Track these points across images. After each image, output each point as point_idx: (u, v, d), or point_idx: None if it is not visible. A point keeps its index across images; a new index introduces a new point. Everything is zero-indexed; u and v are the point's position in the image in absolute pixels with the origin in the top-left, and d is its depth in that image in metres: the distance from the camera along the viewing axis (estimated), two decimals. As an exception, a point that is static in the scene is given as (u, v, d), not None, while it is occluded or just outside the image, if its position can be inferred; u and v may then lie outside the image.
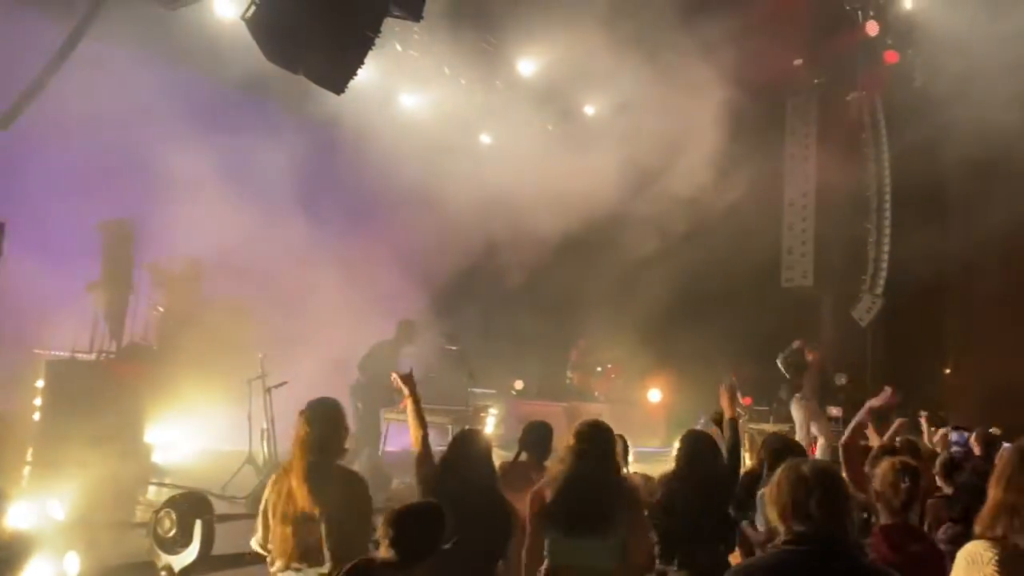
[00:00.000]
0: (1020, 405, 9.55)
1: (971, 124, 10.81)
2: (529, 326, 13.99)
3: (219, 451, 8.91)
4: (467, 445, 3.97)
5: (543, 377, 14.08)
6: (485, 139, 14.11)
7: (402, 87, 12.68)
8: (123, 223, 10.06)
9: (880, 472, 3.52)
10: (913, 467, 3.53)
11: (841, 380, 12.38)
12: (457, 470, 3.83)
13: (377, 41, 6.02)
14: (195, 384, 9.17)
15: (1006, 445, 4.92)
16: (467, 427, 4.15)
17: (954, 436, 7.67)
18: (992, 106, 10.11)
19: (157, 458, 8.46)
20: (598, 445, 3.82)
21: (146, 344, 9.94)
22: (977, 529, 2.54)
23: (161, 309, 10.16)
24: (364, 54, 5.92)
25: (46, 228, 9.89)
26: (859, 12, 11.69)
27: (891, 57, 12.15)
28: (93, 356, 9.57)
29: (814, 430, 10.62)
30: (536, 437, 4.88)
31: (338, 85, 6.03)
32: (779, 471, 2.31)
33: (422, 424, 4.05)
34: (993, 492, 2.58)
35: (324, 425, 3.54)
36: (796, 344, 11.23)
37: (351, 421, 3.89)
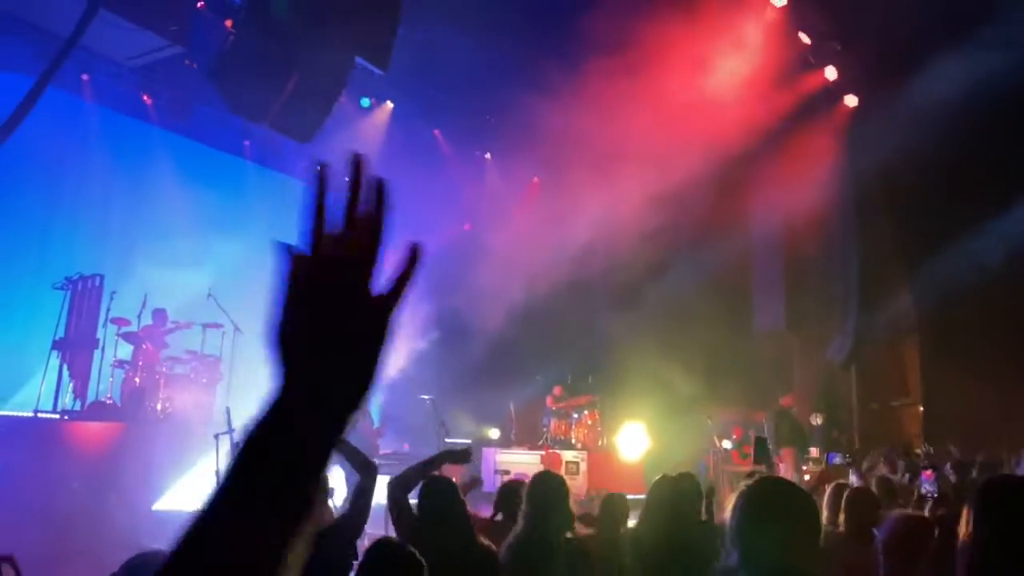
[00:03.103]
0: (991, 438, 9.60)
1: (927, 164, 11.13)
2: (504, 374, 13.91)
3: (184, 512, 8.63)
4: (438, 494, 3.88)
5: (519, 425, 13.93)
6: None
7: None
8: (90, 280, 9.94)
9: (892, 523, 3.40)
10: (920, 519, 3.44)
11: (817, 420, 12.41)
12: (433, 520, 3.74)
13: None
14: (163, 441, 8.97)
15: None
16: (435, 475, 4.05)
17: (924, 481, 7.17)
18: (946, 141, 10.43)
19: (122, 521, 8.19)
20: (538, 503, 3.86)
21: (111, 403, 9.72)
22: None
23: (126, 366, 9.95)
24: (331, 104, 5.97)
25: (9, 285, 9.76)
26: (818, 58, 12.00)
27: (851, 100, 12.47)
28: (56, 416, 9.38)
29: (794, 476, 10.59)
30: (510, 497, 4.81)
31: (305, 135, 6.06)
32: None
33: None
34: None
35: None
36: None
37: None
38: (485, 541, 3.88)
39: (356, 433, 8.26)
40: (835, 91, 12.32)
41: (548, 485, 4.03)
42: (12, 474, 8.55)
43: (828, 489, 5.24)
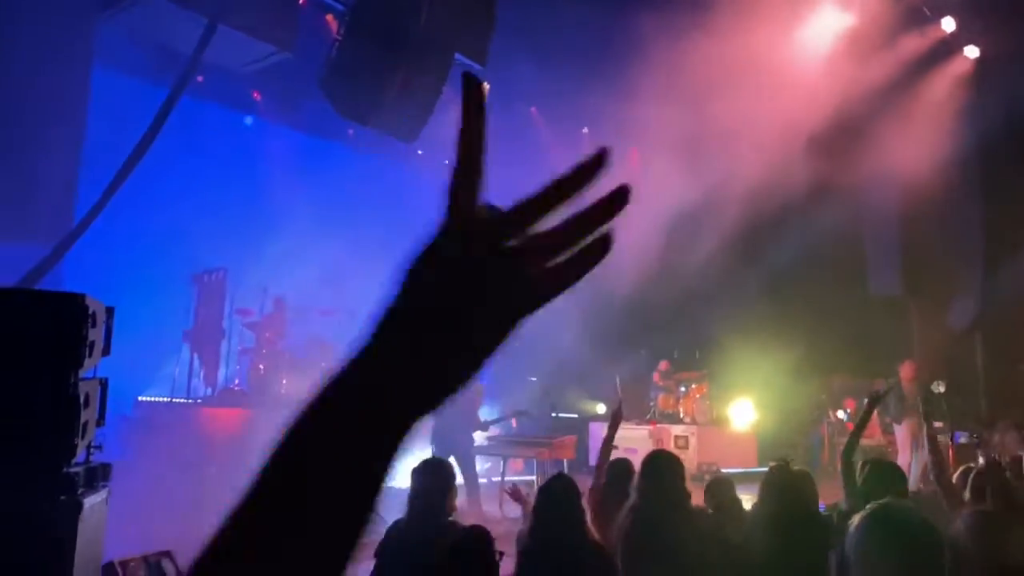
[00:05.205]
0: None
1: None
2: (609, 348, 13.90)
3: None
4: (554, 496, 3.96)
5: (626, 400, 13.89)
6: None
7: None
8: (215, 273, 10.51)
9: None
10: None
11: (939, 388, 11.85)
12: (547, 526, 3.84)
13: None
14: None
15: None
16: (555, 474, 4.17)
17: None
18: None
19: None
20: (656, 479, 3.99)
21: (238, 389, 10.30)
22: None
23: (251, 353, 10.51)
24: (434, 103, 6.07)
25: (146, 280, 10.41)
26: (934, 10, 11.29)
27: (971, 50, 11.71)
28: (190, 401, 10.03)
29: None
30: (618, 473, 4.94)
31: (409, 135, 6.20)
32: None
33: None
34: None
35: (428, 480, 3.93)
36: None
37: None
38: (597, 540, 3.98)
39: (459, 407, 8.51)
40: (953, 43, 11.58)
41: (662, 463, 4.14)
42: (155, 457, 9.20)
43: (957, 473, 5.06)
